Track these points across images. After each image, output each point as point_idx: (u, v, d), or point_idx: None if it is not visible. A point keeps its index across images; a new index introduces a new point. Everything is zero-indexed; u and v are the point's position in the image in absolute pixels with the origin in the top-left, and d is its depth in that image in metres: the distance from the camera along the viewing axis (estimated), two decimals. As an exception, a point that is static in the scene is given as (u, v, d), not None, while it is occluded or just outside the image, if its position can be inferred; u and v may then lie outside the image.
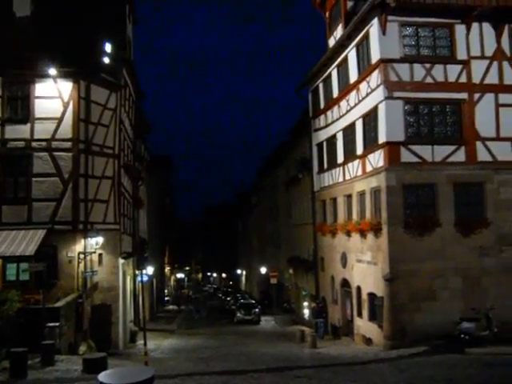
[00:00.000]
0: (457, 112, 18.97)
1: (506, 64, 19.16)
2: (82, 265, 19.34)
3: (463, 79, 18.88)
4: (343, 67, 23.13)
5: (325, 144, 26.22)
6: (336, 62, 23.79)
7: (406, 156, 18.40)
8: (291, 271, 35.90)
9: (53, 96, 19.65)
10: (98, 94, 20.63)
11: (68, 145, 19.58)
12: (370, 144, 20.05)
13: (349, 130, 22.54)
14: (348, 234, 22.29)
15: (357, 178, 21.48)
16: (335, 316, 24.43)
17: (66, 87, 19.75)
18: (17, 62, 19.10)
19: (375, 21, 18.82)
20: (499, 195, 18.84)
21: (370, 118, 20.04)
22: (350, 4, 23.20)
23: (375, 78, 19.13)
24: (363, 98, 20.54)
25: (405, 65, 18.61)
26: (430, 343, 16.46)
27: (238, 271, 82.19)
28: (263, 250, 52.50)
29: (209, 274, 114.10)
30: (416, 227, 18.09)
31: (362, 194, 21.02)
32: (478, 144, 18.81)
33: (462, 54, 18.93)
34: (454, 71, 18.83)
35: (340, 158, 23.79)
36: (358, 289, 21.36)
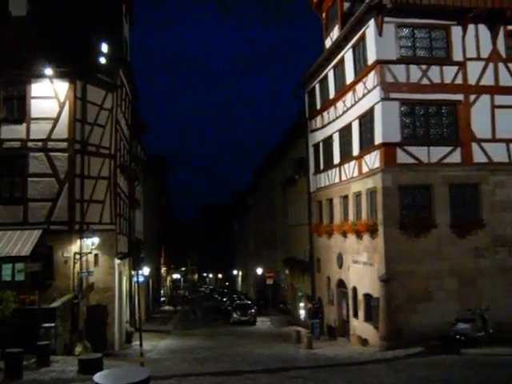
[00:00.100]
0: (453, 113, 19.04)
1: (501, 65, 19.23)
2: (77, 265, 19.29)
3: (459, 80, 18.94)
4: (339, 68, 23.16)
5: (321, 145, 26.24)
6: (332, 63, 23.83)
7: (402, 157, 18.44)
8: (287, 272, 35.92)
9: (49, 96, 19.60)
10: (95, 94, 20.58)
11: (64, 145, 19.53)
12: (366, 145, 20.09)
13: (345, 131, 22.57)
14: (344, 234, 22.32)
15: (353, 178, 21.51)
16: (331, 317, 24.46)
17: (62, 87, 19.71)
18: (13, 62, 19.03)
19: (372, 22, 18.85)
20: (495, 196, 18.90)
21: (367, 119, 20.07)
22: (346, 5, 23.26)
23: (371, 79, 19.17)
24: (359, 99, 20.57)
25: (401, 66, 18.66)
26: (426, 344, 16.49)
27: (234, 272, 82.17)
28: (259, 250, 52.50)
29: (205, 274, 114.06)
30: (412, 228, 18.13)
31: (358, 195, 21.05)
32: (474, 145, 18.87)
33: (457, 56, 19.00)
34: (450, 72, 18.89)
35: (336, 159, 23.82)
36: (354, 289, 21.38)
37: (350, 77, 21.76)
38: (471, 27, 19.07)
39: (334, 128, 24.01)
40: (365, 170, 20.16)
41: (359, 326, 20.78)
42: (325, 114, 25.29)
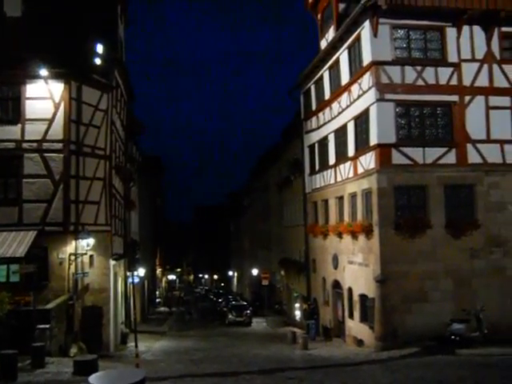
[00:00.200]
0: (448, 114, 19.10)
1: (495, 67, 19.31)
2: (72, 266, 19.22)
3: (454, 82, 19.01)
4: (335, 69, 23.20)
5: (316, 146, 26.28)
6: (328, 64, 23.86)
7: (397, 158, 18.48)
8: (283, 273, 35.93)
9: (44, 97, 19.53)
10: (90, 94, 20.53)
11: (59, 146, 19.46)
12: (362, 146, 20.13)
13: (340, 132, 22.61)
14: (339, 235, 22.35)
15: (348, 179, 21.54)
16: (327, 317, 24.48)
17: (57, 88, 19.64)
18: (8, 63, 18.95)
19: (367, 23, 18.89)
20: (489, 197, 18.97)
21: (362, 120, 20.11)
22: (341, 6, 23.29)
23: (367, 80, 19.20)
24: (355, 100, 20.61)
25: (396, 67, 18.70)
26: (421, 344, 16.53)
27: (230, 273, 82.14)
28: (255, 251, 52.51)
29: (200, 275, 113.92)
30: (407, 229, 18.17)
31: (353, 196, 21.08)
32: (469, 146, 18.94)
33: (452, 57, 19.07)
34: (444, 74, 18.95)
35: (331, 160, 23.85)
36: (350, 290, 21.42)
37: (345, 78, 21.79)
38: (466, 29, 19.15)
39: (329, 129, 24.05)
40: (360, 170, 20.20)
41: (355, 326, 20.81)
42: (320, 114, 25.32)
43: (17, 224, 18.68)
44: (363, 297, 19.81)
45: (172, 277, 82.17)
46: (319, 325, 24.89)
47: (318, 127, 25.68)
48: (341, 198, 22.63)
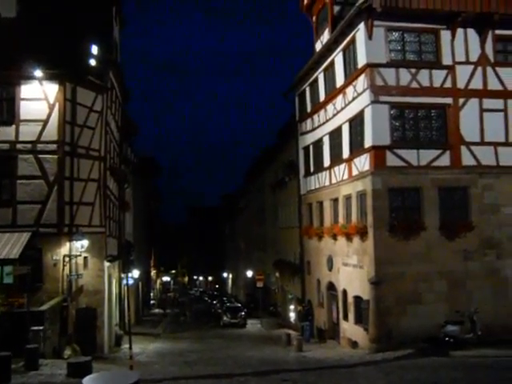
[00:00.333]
0: (442, 116, 19.18)
1: (489, 69, 19.41)
2: (67, 268, 19.16)
3: (448, 84, 19.09)
4: (330, 71, 23.25)
5: (311, 147, 26.32)
6: (323, 66, 23.91)
7: (391, 160, 18.53)
8: (277, 274, 35.94)
9: (38, 98, 19.48)
10: (84, 96, 20.49)
11: (53, 147, 19.41)
12: (356, 148, 20.17)
13: (335, 134, 22.65)
14: (334, 237, 22.38)
15: (343, 181, 21.58)
16: (321, 319, 24.50)
17: (52, 89, 19.60)
18: (2, 64, 18.88)
19: (362, 25, 18.95)
20: (483, 199, 19.05)
21: (356, 122, 20.16)
22: (336, 8, 23.33)
23: (361, 82, 19.26)
24: (349, 102, 20.66)
25: (391, 69, 18.77)
26: (416, 346, 16.56)
27: (225, 274, 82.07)
28: (250, 253, 52.50)
29: (195, 277, 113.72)
30: (401, 231, 18.23)
31: (348, 198, 21.12)
32: (463, 148, 19.02)
33: (447, 60, 19.15)
34: (439, 76, 19.03)
35: (326, 162, 23.89)
36: (344, 292, 21.44)
37: (340, 80, 21.84)
38: (460, 31, 19.24)
39: (324, 131, 24.09)
40: (355, 172, 20.24)
41: (349, 328, 20.84)
42: (315, 116, 25.37)
43: (11, 225, 18.61)
44: (358, 298, 19.83)
45: (166, 278, 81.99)
46: (314, 326, 24.90)
47: (313, 129, 25.72)
48: (335, 200, 22.67)
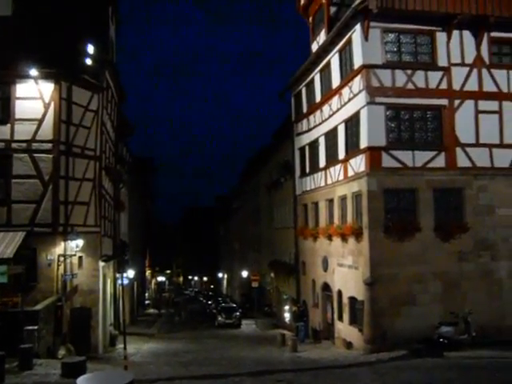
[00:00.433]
0: (437, 118, 19.22)
1: (485, 71, 19.47)
2: (61, 267, 19.12)
3: (444, 86, 19.14)
4: (326, 72, 23.27)
5: (307, 148, 26.33)
6: (319, 67, 23.92)
7: (387, 161, 18.57)
8: (272, 275, 35.94)
9: (34, 97, 19.42)
10: (80, 95, 20.44)
11: (48, 146, 19.36)
12: (352, 149, 20.19)
13: (331, 135, 22.67)
14: (329, 238, 22.39)
15: (338, 182, 21.60)
16: (316, 320, 24.51)
17: (48, 88, 19.54)
18: (-3, 62, 18.86)
19: (358, 27, 18.97)
20: (478, 201, 19.10)
21: (352, 123, 20.19)
22: (333, 10, 23.37)
23: (357, 83, 19.28)
24: (345, 103, 20.68)
25: (387, 71, 18.80)
26: (410, 347, 16.58)
27: (220, 275, 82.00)
28: (245, 253, 52.48)
29: (190, 277, 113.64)
30: (396, 232, 18.26)
31: (343, 199, 21.14)
32: (458, 150, 19.08)
33: (442, 61, 19.20)
34: (434, 78, 19.08)
35: (322, 163, 23.91)
36: (339, 293, 21.46)
37: (336, 81, 21.86)
38: (456, 33, 19.29)
39: (319, 131, 24.11)
40: (350, 173, 20.27)
41: (344, 329, 20.86)
42: (311, 117, 25.39)
43: (5, 225, 18.55)
44: (352, 299, 19.86)
45: (162, 278, 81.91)
46: (308, 327, 24.92)
47: (309, 130, 25.74)
48: (331, 201, 22.68)
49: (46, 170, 19.24)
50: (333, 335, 22.18)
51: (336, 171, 21.89)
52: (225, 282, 76.89)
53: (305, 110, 26.51)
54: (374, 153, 18.53)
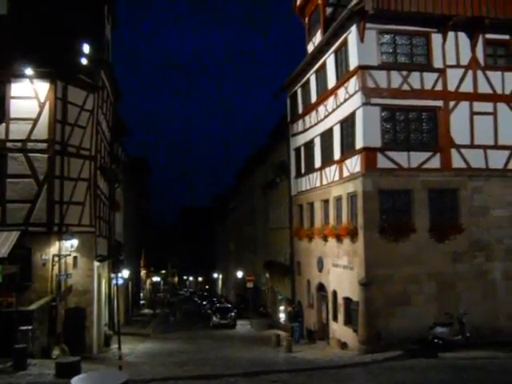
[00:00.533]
0: (432, 119, 19.27)
1: (480, 73, 19.54)
2: (56, 267, 19.06)
3: (439, 87, 19.19)
4: (321, 73, 23.29)
5: (302, 149, 26.35)
6: (314, 68, 23.95)
7: (382, 162, 18.59)
8: (268, 275, 35.94)
9: (29, 96, 19.36)
10: (75, 95, 20.39)
11: (43, 146, 19.30)
12: (347, 149, 20.22)
13: (326, 136, 22.69)
14: (324, 238, 22.41)
15: (334, 183, 21.62)
16: (311, 320, 24.53)
17: (43, 88, 19.48)
18: (-8, 62, 18.79)
19: (354, 28, 19.00)
20: (473, 202, 19.16)
21: (348, 124, 20.21)
22: (329, 10, 23.41)
23: (353, 84, 19.31)
24: (341, 104, 20.71)
25: (382, 72, 18.83)
26: (405, 347, 16.60)
27: (215, 275, 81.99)
28: (240, 253, 52.48)
29: (185, 277, 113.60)
30: (391, 232, 18.29)
31: (338, 199, 21.16)
32: (453, 151, 19.13)
33: (438, 63, 19.25)
34: (430, 79, 19.12)
35: (317, 163, 23.92)
36: (334, 293, 21.48)
37: (331, 82, 21.89)
38: (451, 35, 19.35)
39: (315, 132, 24.13)
40: (345, 174, 20.29)
41: (339, 329, 20.88)
42: (306, 118, 25.41)
43: (0, 224, 18.48)
44: (347, 300, 19.88)
45: (156, 279, 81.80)
46: (303, 327, 24.93)
47: (305, 130, 25.76)
48: (326, 201, 22.71)
49: (40, 169, 19.18)
50: (328, 335, 22.20)
51: (331, 172, 21.92)
52: (220, 282, 76.88)
53: (300, 110, 26.52)
54: (369, 153, 18.56)
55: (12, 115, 19.17)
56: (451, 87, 19.27)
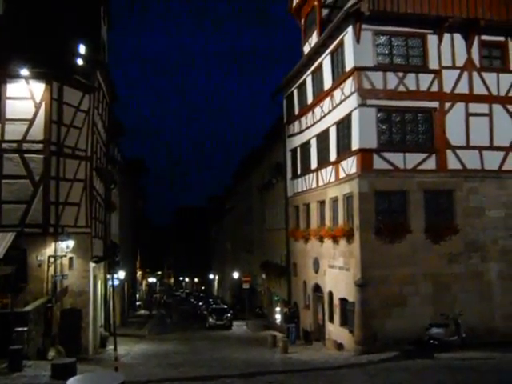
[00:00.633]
0: (428, 120, 19.32)
1: (475, 74, 19.60)
2: (51, 268, 19.01)
3: (435, 88, 19.25)
4: (318, 74, 23.32)
5: (299, 150, 26.37)
6: (311, 69, 23.98)
7: (378, 163, 18.63)
8: (264, 276, 35.93)
9: (25, 97, 19.31)
10: (71, 95, 20.35)
11: (39, 146, 19.26)
12: (344, 151, 20.25)
13: (322, 137, 22.72)
14: (321, 239, 22.43)
15: (330, 184, 21.65)
16: (307, 321, 24.54)
17: (39, 88, 19.43)
18: (-12, 62, 18.74)
19: (350, 29, 19.04)
20: (468, 203, 19.21)
21: (344, 125, 20.24)
22: (325, 12, 23.45)
23: (349, 85, 19.34)
24: (337, 105, 20.74)
25: (378, 73, 18.87)
26: (400, 348, 16.63)
27: (211, 276, 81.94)
28: (236, 254, 52.46)
29: (181, 278, 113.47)
30: (387, 233, 18.31)
31: (334, 200, 21.18)
32: (449, 152, 19.18)
33: (433, 64, 19.30)
34: (425, 80, 19.17)
35: (314, 164, 23.95)
36: (330, 294, 21.49)
37: (327, 83, 21.92)
38: (447, 36, 19.41)
39: (311, 133, 24.16)
40: (342, 175, 20.31)
41: (335, 330, 20.89)
42: (302, 119, 25.43)
43: (-5, 225, 18.44)
44: (343, 301, 19.89)
45: (152, 280, 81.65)
46: (299, 328, 24.92)
47: (301, 131, 25.78)
48: (322, 203, 22.73)
49: (36, 170, 19.13)
50: (324, 336, 22.22)
51: (327, 173, 21.94)
52: (216, 283, 76.84)
53: (296, 111, 26.55)
54: (365, 155, 18.59)
55: (8, 116, 19.11)
56: (447, 88, 19.32)
